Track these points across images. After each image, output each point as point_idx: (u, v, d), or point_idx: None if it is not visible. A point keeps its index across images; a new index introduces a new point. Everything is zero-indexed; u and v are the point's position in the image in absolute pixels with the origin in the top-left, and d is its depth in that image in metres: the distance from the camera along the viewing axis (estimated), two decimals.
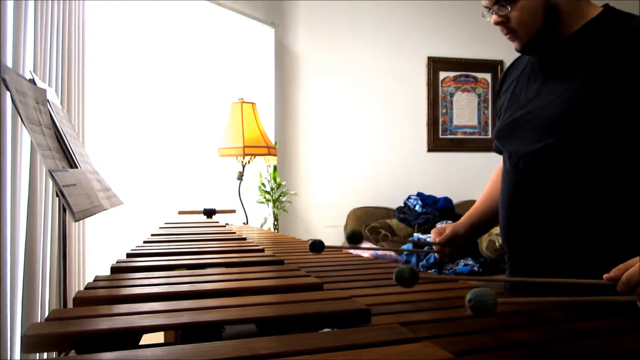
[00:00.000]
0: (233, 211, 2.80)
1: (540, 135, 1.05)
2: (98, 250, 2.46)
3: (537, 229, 1.06)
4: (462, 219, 1.36)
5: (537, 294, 1.01)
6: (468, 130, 4.46)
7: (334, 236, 4.01)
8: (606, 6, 1.06)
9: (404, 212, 3.99)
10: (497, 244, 3.56)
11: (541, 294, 0.99)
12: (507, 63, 1.32)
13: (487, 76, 4.44)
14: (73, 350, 0.58)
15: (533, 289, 1.05)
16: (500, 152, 1.32)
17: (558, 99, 1.02)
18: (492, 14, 1.08)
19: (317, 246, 1.21)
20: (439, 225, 3.79)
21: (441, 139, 4.40)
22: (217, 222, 2.35)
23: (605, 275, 0.78)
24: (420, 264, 3.65)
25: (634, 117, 0.95)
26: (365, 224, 3.87)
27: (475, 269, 3.58)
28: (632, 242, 0.95)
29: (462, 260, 3.65)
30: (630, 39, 0.96)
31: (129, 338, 0.59)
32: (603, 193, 0.99)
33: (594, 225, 0.99)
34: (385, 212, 4.07)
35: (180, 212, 2.58)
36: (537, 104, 1.08)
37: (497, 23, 1.08)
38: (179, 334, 1.14)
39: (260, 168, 3.63)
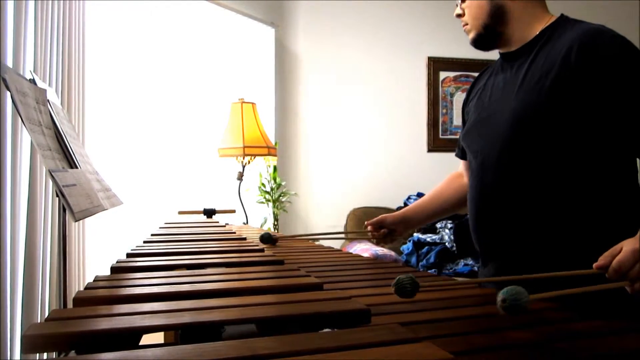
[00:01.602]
0: (233, 211, 2.80)
1: (501, 134, 1.12)
2: (98, 250, 2.46)
3: (505, 224, 1.12)
4: (399, 211, 1.55)
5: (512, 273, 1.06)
6: None
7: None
8: (561, 15, 1.15)
9: None
10: None
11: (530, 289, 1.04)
12: None
13: None
14: (73, 351, 0.58)
15: (507, 269, 1.11)
16: (460, 157, 1.42)
17: (516, 97, 1.10)
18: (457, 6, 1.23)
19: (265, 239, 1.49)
20: (438, 225, 3.79)
21: (441, 139, 4.39)
22: (217, 222, 2.35)
23: (595, 265, 0.81)
24: (420, 263, 3.66)
25: (588, 113, 1.01)
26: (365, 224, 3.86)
27: (475, 268, 3.58)
28: (597, 233, 0.98)
29: (462, 260, 3.65)
30: (577, 40, 1.03)
31: (129, 338, 0.59)
32: (566, 186, 1.04)
33: (560, 218, 1.05)
34: (385, 212, 4.04)
35: (180, 212, 2.59)
36: (498, 104, 1.16)
37: (457, 15, 1.22)
38: (179, 334, 1.14)
39: (260, 168, 3.63)
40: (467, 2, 1.17)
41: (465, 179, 1.46)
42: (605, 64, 0.99)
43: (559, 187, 1.05)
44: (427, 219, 1.55)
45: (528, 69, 1.11)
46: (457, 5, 1.21)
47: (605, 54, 1.00)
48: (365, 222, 1.54)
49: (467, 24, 1.20)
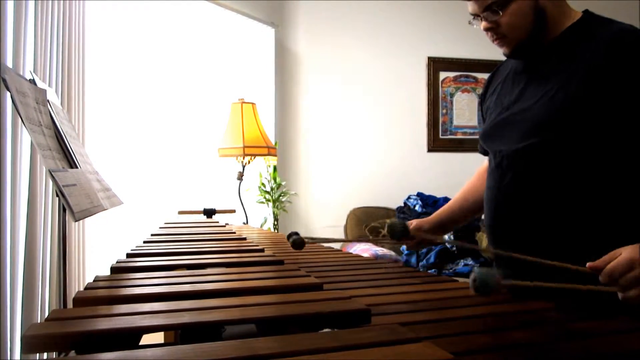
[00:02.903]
0: (233, 211, 2.80)
1: (522, 135, 1.08)
2: (98, 250, 2.46)
3: (521, 226, 1.10)
4: (432, 215, 1.44)
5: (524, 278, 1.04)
6: (468, 130, 4.45)
7: (333, 236, 4.01)
8: (586, 11, 1.11)
9: (404, 212, 3.99)
10: None
11: (527, 278, 1.03)
12: None
13: (487, 76, 4.43)
14: (73, 350, 0.58)
15: (519, 274, 1.07)
16: (485, 153, 1.36)
17: (540, 100, 1.06)
18: (481, 20, 1.11)
19: (298, 244, 1.20)
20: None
21: (441, 139, 4.39)
22: (217, 222, 2.35)
23: (588, 264, 0.81)
24: (420, 263, 3.65)
25: (615, 117, 0.98)
26: (365, 224, 3.87)
27: (476, 269, 3.58)
28: (615, 237, 0.97)
29: (462, 260, 3.65)
30: (610, 42, 1.00)
31: (129, 338, 0.59)
32: (585, 190, 1.02)
33: (577, 222, 1.02)
34: (385, 212, 4.06)
35: (180, 212, 2.59)
36: (520, 105, 1.12)
37: (487, 29, 1.11)
38: (179, 334, 1.14)
39: (260, 168, 3.63)
40: (507, 13, 1.07)
41: None
42: (634, 66, 0.96)
43: (577, 191, 1.02)
44: (463, 219, 1.46)
45: (553, 70, 1.07)
46: (481, 20, 1.10)
47: (635, 56, 0.96)
48: None
49: (502, 37, 1.10)
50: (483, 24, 1.11)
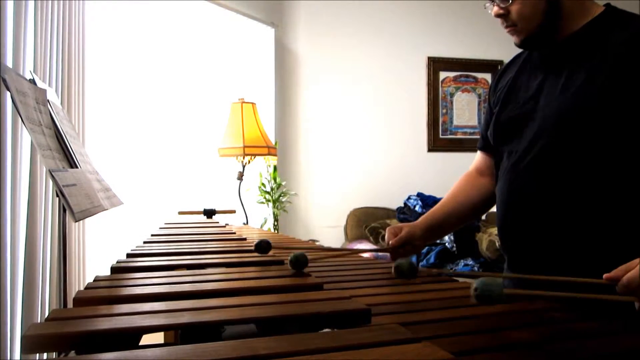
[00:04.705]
0: (233, 211, 2.79)
1: (541, 133, 1.04)
2: (98, 250, 2.46)
3: (535, 227, 1.06)
4: (420, 220, 1.29)
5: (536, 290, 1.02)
6: (468, 130, 4.46)
7: (334, 236, 4.01)
8: (608, 5, 1.07)
9: (404, 213, 3.99)
10: (497, 244, 3.56)
11: (538, 281, 1.00)
12: None
13: (487, 76, 4.44)
14: (73, 351, 0.58)
15: (531, 286, 1.05)
16: (484, 149, 1.32)
17: (560, 96, 1.03)
18: (494, 6, 1.08)
19: (263, 247, 1.19)
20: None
21: (441, 139, 4.40)
22: (217, 222, 2.35)
23: (605, 275, 0.78)
24: (420, 264, 3.65)
25: (637, 116, 0.95)
26: (365, 224, 3.87)
27: (475, 269, 3.58)
28: (630, 240, 0.95)
29: (462, 260, 3.65)
30: (634, 38, 0.96)
31: (129, 338, 0.59)
32: (603, 192, 0.99)
33: (593, 224, 0.99)
34: (385, 212, 4.07)
35: (180, 212, 2.58)
36: (538, 101, 1.08)
37: (497, 15, 1.08)
38: (179, 334, 1.14)
39: (260, 168, 3.63)
40: (518, 1, 1.05)
41: (485, 178, 1.32)
42: None
43: (596, 194, 0.99)
44: (453, 227, 1.36)
45: (574, 67, 1.03)
46: (494, 5, 1.08)
47: None
48: (391, 242, 1.20)
49: (514, 25, 1.07)
50: (494, 9, 1.08)
